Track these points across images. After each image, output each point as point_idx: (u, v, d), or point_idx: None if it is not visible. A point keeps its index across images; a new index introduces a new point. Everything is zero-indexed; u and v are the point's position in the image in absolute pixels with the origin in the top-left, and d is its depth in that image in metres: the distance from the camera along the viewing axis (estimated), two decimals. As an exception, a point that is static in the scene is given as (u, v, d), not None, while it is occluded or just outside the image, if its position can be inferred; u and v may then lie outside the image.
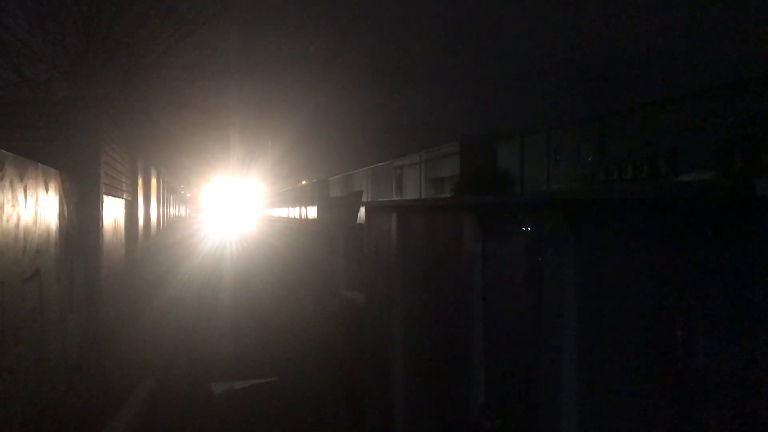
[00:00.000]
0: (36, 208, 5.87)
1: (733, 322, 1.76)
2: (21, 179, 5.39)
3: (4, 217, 4.92)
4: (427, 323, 3.81)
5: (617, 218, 2.15)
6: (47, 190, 6.33)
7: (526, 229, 2.67)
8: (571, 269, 2.34)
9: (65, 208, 7.10)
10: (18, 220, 5.28)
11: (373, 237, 4.94)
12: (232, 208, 44.36)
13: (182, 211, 40.54)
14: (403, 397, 4.06)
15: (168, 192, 27.77)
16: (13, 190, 5.16)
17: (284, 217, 28.31)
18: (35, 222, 5.85)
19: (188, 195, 43.06)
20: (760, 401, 1.74)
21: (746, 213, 1.71)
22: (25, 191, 5.50)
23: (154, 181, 19.37)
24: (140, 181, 14.62)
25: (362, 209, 11.11)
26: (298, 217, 25.84)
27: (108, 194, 9.55)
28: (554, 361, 2.45)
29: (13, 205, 5.15)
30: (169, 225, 27.64)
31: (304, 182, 27.30)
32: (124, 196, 11.90)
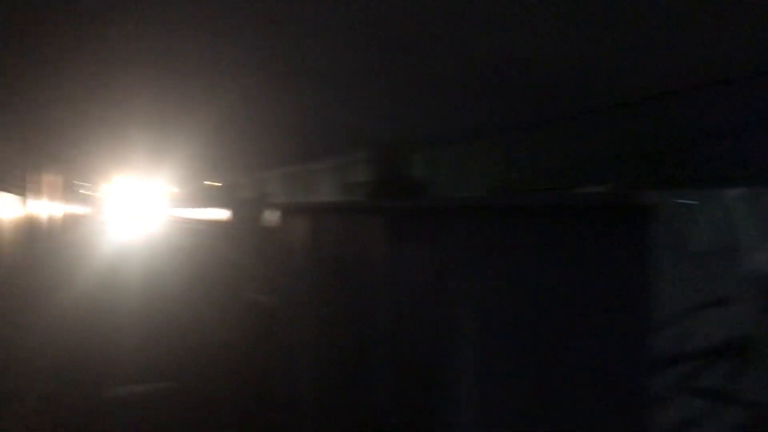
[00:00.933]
0: None
1: (618, 323, 1.90)
2: None
3: None
4: (337, 326, 3.84)
5: (520, 224, 2.27)
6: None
7: (433, 233, 2.76)
8: (474, 273, 2.44)
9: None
10: None
11: (284, 239, 4.93)
12: (136, 208, 42.74)
13: (83, 210, 38.70)
14: (312, 400, 4.07)
15: (67, 190, 26.44)
16: None
17: (192, 219, 27.57)
18: None
19: (89, 194, 41.17)
20: (637, 398, 1.88)
21: (632, 221, 1.85)
22: None
23: (51, 178, 18.42)
24: (35, 178, 13.88)
25: (272, 211, 11.00)
26: (207, 218, 25.26)
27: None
28: (454, 362, 2.55)
29: None
30: (69, 224, 26.33)
31: (213, 183, 26.67)
32: (17, 192, 11.26)
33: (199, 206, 27.47)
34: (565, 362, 2.08)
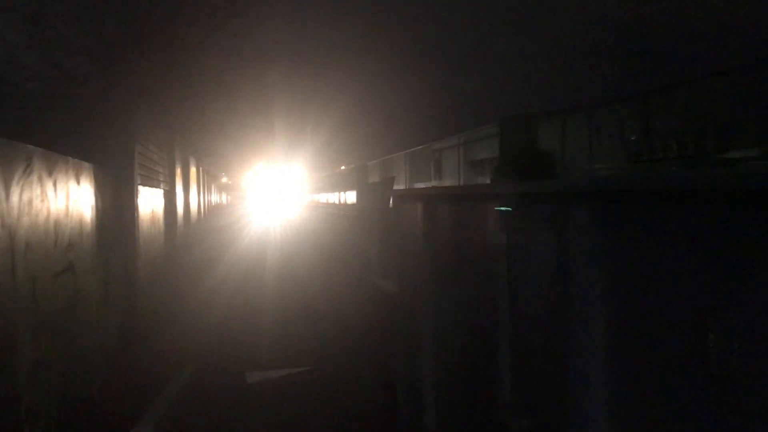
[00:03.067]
0: (67, 201, 5.89)
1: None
2: (50, 174, 5.41)
3: (33, 212, 4.94)
4: (456, 316, 3.66)
5: (649, 208, 1.95)
6: (79, 183, 6.36)
7: (552, 219, 2.49)
8: (600, 262, 2.15)
9: (99, 200, 7.15)
10: (48, 214, 5.30)
11: (401, 225, 4.80)
12: (274, 194, 44.70)
13: (223, 199, 41.04)
14: (434, 391, 3.92)
15: (208, 179, 28.07)
16: (42, 185, 5.17)
17: (325, 203, 28.36)
18: (67, 215, 5.88)
19: (229, 182, 43.58)
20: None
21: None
22: (54, 185, 5.52)
23: (193, 169, 19.56)
24: (179, 170, 14.75)
25: (396, 197, 10.94)
26: (337, 203, 25.89)
27: (144, 185, 9.61)
28: (582, 359, 2.28)
29: (42, 200, 5.16)
30: (209, 213, 27.99)
31: (342, 167, 27.21)
32: (162, 186, 12.00)
33: (332, 191, 28.19)
34: (712, 370, 1.77)
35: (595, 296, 2.18)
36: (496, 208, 3.20)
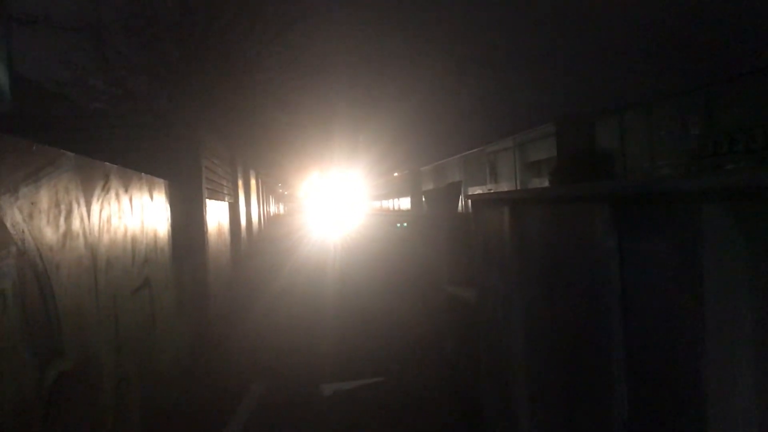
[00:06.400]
0: (142, 217, 5.93)
1: None
2: (126, 190, 5.44)
3: (112, 229, 4.96)
4: (553, 327, 3.45)
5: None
6: (152, 199, 6.40)
7: (676, 221, 2.27)
8: (742, 269, 1.94)
9: (170, 215, 7.20)
10: (125, 231, 5.33)
11: (482, 232, 4.61)
12: (331, 203, 44.88)
13: (281, 209, 41.51)
14: (528, 409, 3.72)
15: (266, 190, 28.40)
16: (119, 202, 5.20)
17: (383, 210, 28.31)
18: (142, 231, 5.91)
19: (286, 193, 44.03)
20: None
21: None
22: (130, 201, 5.56)
23: (253, 181, 19.78)
24: (240, 183, 14.90)
25: (462, 200, 10.74)
26: (397, 209, 25.80)
27: (211, 198, 9.68)
28: (725, 378, 2.06)
29: (120, 217, 5.19)
30: (269, 223, 28.28)
31: (396, 174, 27.08)
32: (226, 199, 12.11)
33: (388, 198, 28.13)
34: None
35: (740, 307, 1.96)
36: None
